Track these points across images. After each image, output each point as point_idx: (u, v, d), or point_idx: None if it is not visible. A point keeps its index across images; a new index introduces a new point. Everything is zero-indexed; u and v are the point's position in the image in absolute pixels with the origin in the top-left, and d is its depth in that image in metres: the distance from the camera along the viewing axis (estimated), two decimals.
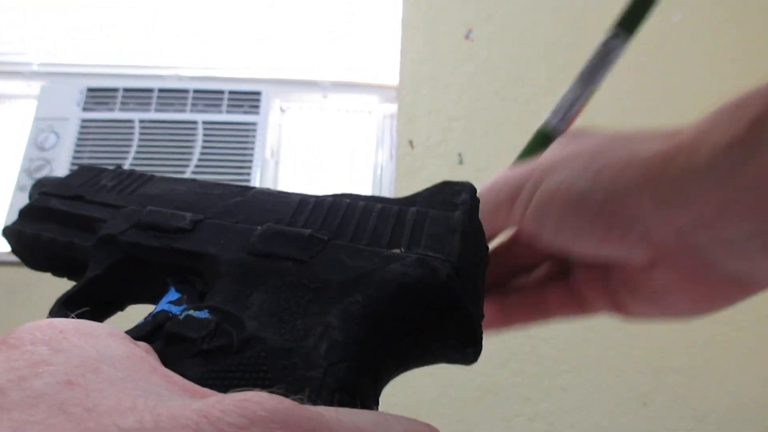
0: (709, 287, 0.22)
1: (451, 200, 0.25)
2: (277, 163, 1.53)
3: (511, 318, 0.29)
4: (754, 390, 1.27)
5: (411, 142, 1.45)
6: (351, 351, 0.20)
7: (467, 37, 1.52)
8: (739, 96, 0.20)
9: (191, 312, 0.21)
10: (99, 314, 0.26)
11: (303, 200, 0.27)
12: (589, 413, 1.25)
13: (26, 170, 1.37)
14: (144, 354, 0.16)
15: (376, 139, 1.58)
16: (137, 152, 1.38)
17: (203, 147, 1.39)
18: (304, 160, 1.56)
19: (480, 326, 0.23)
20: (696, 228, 0.20)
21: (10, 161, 1.47)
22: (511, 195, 0.25)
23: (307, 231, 0.24)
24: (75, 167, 1.52)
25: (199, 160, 1.38)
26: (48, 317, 0.23)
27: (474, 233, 0.24)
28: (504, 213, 0.25)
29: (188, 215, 0.27)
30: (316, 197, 0.27)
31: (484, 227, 0.26)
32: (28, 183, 1.36)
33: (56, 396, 0.13)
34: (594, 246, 0.23)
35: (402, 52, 1.53)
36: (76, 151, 1.39)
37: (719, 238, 0.20)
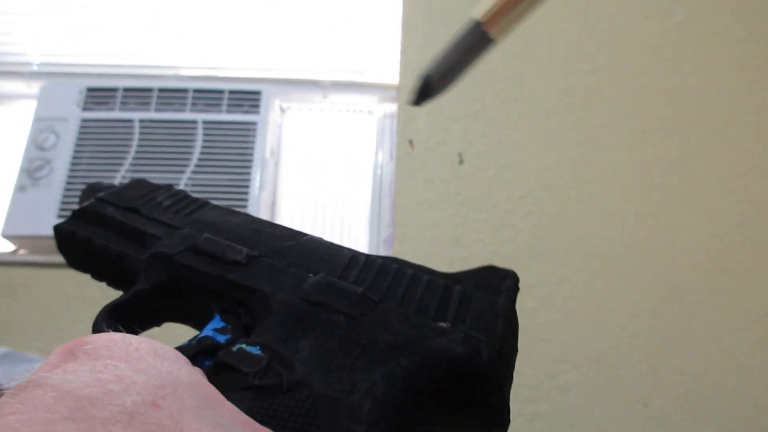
0: None
1: (496, 285, 0.26)
2: (277, 163, 1.53)
3: None
4: (754, 391, 1.27)
5: (411, 142, 1.44)
6: (391, 412, 0.21)
7: None
8: None
9: (244, 346, 0.22)
10: (138, 328, 0.27)
11: (354, 257, 0.28)
12: (589, 414, 1.25)
13: (26, 170, 1.37)
14: (209, 384, 0.17)
15: (376, 138, 1.57)
16: (137, 152, 1.38)
17: (203, 147, 1.39)
18: (304, 159, 1.56)
19: (509, 410, 0.24)
20: None
21: (9, 161, 1.47)
22: None
23: (360, 289, 0.25)
24: (75, 168, 1.50)
25: (199, 159, 1.38)
26: (93, 325, 0.23)
27: (513, 320, 0.26)
28: None
29: (245, 250, 0.28)
30: (366, 256, 0.28)
31: None
32: (28, 183, 1.35)
33: (145, 416, 0.13)
34: None
35: (402, 51, 1.53)
36: (76, 151, 1.38)
37: None
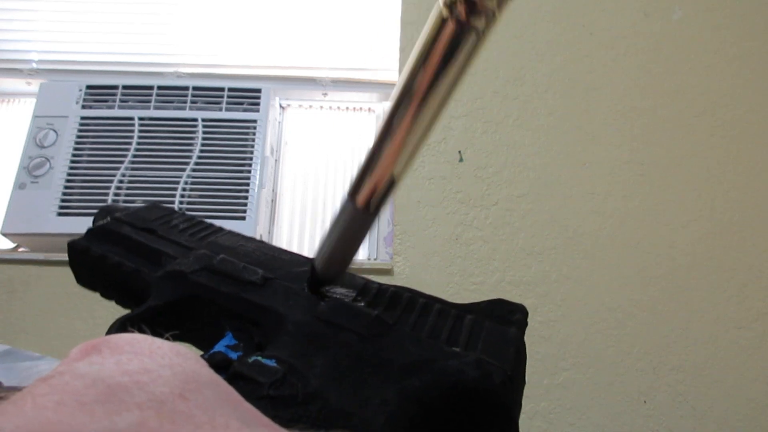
0: None
1: (507, 317, 0.27)
2: (277, 161, 1.53)
3: None
4: (753, 388, 1.27)
5: None
6: (404, 427, 0.21)
7: None
8: None
9: (260, 358, 0.22)
10: None
11: (367, 284, 0.29)
12: (588, 411, 1.25)
13: (25, 168, 1.36)
14: (229, 385, 0.17)
15: None
16: (137, 150, 1.38)
17: (203, 144, 1.39)
18: (304, 157, 1.56)
19: None
20: None
21: (9, 159, 1.47)
22: None
23: (375, 312, 0.26)
24: (75, 165, 1.50)
25: (199, 157, 1.38)
26: (107, 332, 0.23)
27: (523, 351, 0.26)
28: None
29: (260, 271, 0.28)
30: (379, 284, 0.29)
31: None
32: (28, 181, 1.35)
33: (176, 404, 0.13)
34: None
35: (401, 49, 1.53)
36: (76, 149, 1.38)
37: None
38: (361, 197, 0.26)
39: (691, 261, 1.34)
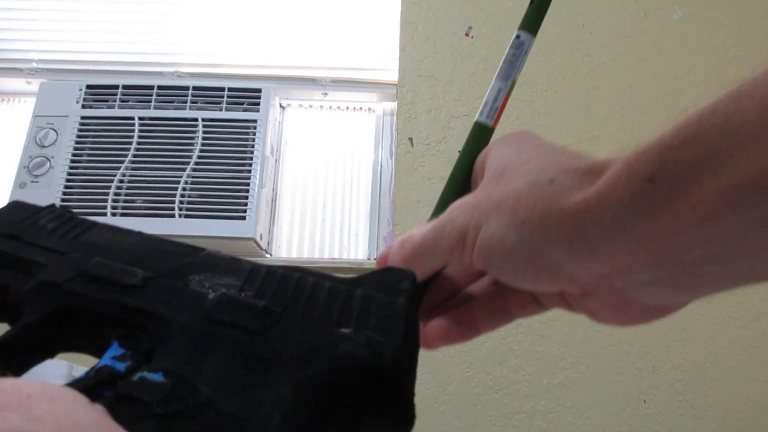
0: (631, 312, 0.26)
1: (396, 286, 0.26)
2: (277, 161, 1.53)
3: (476, 326, 0.31)
4: (753, 387, 1.27)
5: (411, 140, 1.45)
6: (302, 422, 0.21)
7: (467, 34, 1.52)
8: (636, 150, 0.22)
9: (145, 374, 0.21)
10: (30, 361, 0.26)
11: (254, 269, 0.27)
12: (588, 410, 1.25)
13: (26, 167, 1.37)
14: (110, 421, 0.16)
15: (376, 136, 1.58)
16: (137, 149, 1.38)
17: (203, 144, 1.39)
18: (305, 157, 1.56)
19: (414, 406, 0.24)
20: (612, 274, 0.24)
21: (9, 158, 1.47)
22: (459, 239, 0.28)
23: (262, 302, 0.25)
24: (75, 165, 1.50)
25: (199, 157, 1.38)
26: None
27: (413, 321, 0.26)
28: (458, 254, 0.28)
29: (139, 272, 0.26)
30: (267, 267, 0.27)
31: (445, 264, 0.29)
32: (28, 180, 1.35)
33: None
34: (532, 285, 0.27)
35: (401, 49, 1.53)
36: (76, 149, 1.39)
37: (632, 282, 0.24)
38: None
39: None
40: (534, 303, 0.30)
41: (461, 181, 0.34)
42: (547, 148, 0.29)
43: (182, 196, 1.34)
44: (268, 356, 0.22)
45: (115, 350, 0.24)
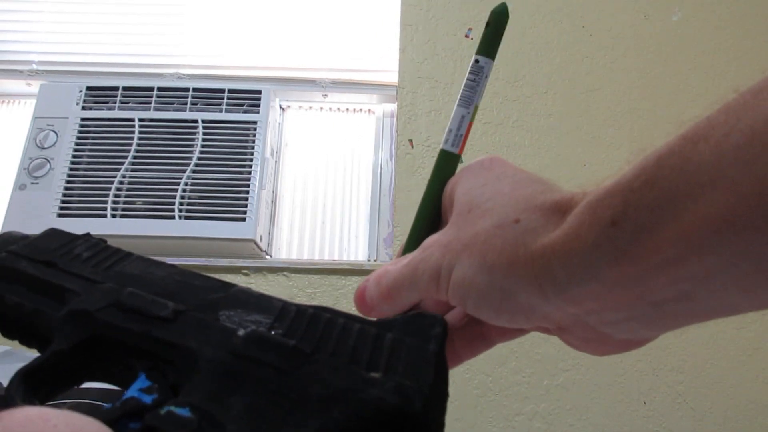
0: (607, 345, 0.26)
1: (426, 331, 0.26)
2: (277, 162, 1.53)
3: (458, 355, 0.31)
4: (753, 389, 1.27)
5: (411, 141, 1.45)
6: None
7: (467, 36, 1.52)
8: (598, 191, 0.22)
9: (173, 408, 0.21)
10: (56, 389, 0.26)
11: (285, 306, 0.27)
12: (588, 412, 1.25)
13: (26, 169, 1.37)
14: None
15: (376, 138, 1.58)
16: (137, 151, 1.38)
17: (203, 146, 1.39)
18: (305, 158, 1.56)
19: None
20: (584, 314, 0.24)
21: (9, 160, 1.47)
22: (433, 278, 0.28)
23: (292, 342, 0.25)
24: (75, 166, 1.49)
25: (199, 158, 1.38)
26: (7, 389, 0.23)
27: (443, 367, 0.26)
28: (433, 291, 0.28)
29: (170, 304, 0.27)
30: (297, 306, 0.27)
31: (421, 299, 0.29)
32: (28, 182, 1.35)
33: None
34: (508, 323, 0.27)
35: (401, 51, 1.53)
36: (76, 150, 1.39)
37: (605, 321, 0.24)
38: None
39: None
40: (513, 329, 0.30)
41: (431, 213, 0.34)
42: (512, 179, 0.29)
43: (182, 197, 1.34)
44: (295, 396, 0.22)
45: (142, 382, 0.24)
